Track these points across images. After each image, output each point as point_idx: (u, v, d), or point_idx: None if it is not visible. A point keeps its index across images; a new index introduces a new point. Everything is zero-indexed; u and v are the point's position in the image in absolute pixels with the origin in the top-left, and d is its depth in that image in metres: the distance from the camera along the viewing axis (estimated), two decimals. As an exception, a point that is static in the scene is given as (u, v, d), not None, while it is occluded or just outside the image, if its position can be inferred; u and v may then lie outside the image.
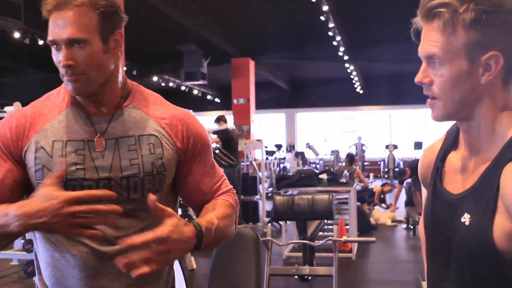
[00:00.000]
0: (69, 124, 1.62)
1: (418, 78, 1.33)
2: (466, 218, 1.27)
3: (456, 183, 1.36)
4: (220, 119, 9.95)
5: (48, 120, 1.62)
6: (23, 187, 1.63)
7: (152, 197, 1.41)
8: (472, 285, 1.30)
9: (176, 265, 3.23)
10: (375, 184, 12.50)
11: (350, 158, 12.15)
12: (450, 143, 1.43)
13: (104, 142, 1.61)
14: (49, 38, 1.54)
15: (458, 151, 1.41)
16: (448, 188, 1.38)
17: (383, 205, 11.20)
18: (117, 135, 1.62)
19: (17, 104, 6.56)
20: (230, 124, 11.31)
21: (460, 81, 1.26)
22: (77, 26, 1.51)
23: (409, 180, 10.07)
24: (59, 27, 1.52)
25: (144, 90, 1.75)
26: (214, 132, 9.58)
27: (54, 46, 1.55)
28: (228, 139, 9.46)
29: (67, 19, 1.51)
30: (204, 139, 1.74)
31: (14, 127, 1.62)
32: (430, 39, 1.27)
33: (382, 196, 11.31)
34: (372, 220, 9.86)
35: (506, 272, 1.22)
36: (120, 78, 1.67)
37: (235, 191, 1.83)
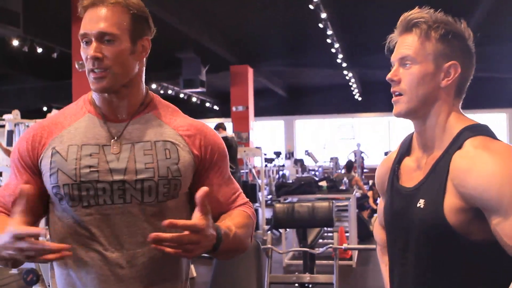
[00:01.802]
0: (86, 130, 1.63)
1: (389, 76, 1.60)
2: (421, 203, 1.53)
3: (412, 180, 1.62)
4: (219, 127, 9.95)
5: (64, 127, 1.64)
6: (42, 198, 1.63)
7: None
8: (430, 263, 1.54)
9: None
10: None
11: (349, 166, 12.14)
12: (405, 150, 1.72)
13: (119, 145, 1.61)
14: (81, 31, 1.58)
15: (412, 155, 1.68)
16: (405, 184, 1.64)
17: (375, 205, 11.17)
18: (133, 140, 1.63)
19: (16, 112, 6.55)
20: (229, 131, 11.30)
21: (425, 80, 1.55)
22: (110, 21, 1.56)
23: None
24: (92, 21, 1.56)
25: (163, 101, 1.76)
26: (213, 140, 9.56)
27: (84, 41, 1.58)
28: (227, 147, 9.43)
29: (100, 14, 1.56)
30: (221, 150, 1.76)
31: (31, 137, 1.64)
32: (406, 44, 1.58)
33: (376, 200, 11.29)
34: (372, 227, 9.83)
35: (458, 244, 1.48)
36: (142, 85, 1.70)
37: (251, 204, 1.84)
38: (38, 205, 1.63)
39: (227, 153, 1.81)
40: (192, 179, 1.69)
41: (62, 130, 1.63)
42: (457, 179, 1.46)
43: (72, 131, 1.63)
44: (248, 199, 1.83)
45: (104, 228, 1.57)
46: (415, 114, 1.59)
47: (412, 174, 1.63)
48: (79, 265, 1.59)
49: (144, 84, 1.71)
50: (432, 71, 1.55)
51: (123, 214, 1.58)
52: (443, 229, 1.48)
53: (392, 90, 1.59)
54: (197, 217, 1.43)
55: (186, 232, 1.40)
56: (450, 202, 1.47)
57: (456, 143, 1.52)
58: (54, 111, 1.64)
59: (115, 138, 1.62)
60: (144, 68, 1.70)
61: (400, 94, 1.58)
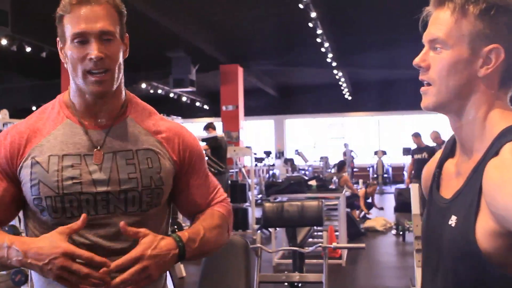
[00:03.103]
0: (66, 139, 1.60)
1: (416, 61, 1.32)
2: (452, 220, 1.25)
3: (450, 188, 1.32)
4: (209, 127, 9.96)
5: (44, 136, 1.60)
6: (19, 204, 1.63)
7: (122, 223, 1.49)
8: None
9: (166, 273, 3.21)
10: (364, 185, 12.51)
11: (340, 165, 12.17)
12: (448, 151, 1.42)
13: (102, 155, 1.59)
14: (77, 30, 1.51)
15: (455, 157, 1.39)
16: (443, 194, 1.35)
17: (370, 212, 11.17)
18: (115, 149, 1.61)
19: (4, 111, 6.52)
20: (219, 131, 11.31)
21: (458, 69, 1.25)
22: (108, 20, 1.54)
23: (400, 186, 10.10)
24: (90, 19, 1.51)
25: (140, 102, 1.74)
26: (203, 140, 9.58)
27: (79, 40, 1.52)
28: (217, 147, 9.46)
29: (97, 13, 1.52)
30: (199, 151, 1.77)
31: (9, 144, 1.60)
32: (438, 22, 1.28)
33: (368, 200, 11.30)
34: (362, 229, 9.85)
35: (487, 277, 1.18)
36: (123, 85, 1.67)
37: (229, 200, 1.86)
38: (12, 210, 1.63)
39: (203, 153, 1.82)
40: (174, 184, 1.71)
41: (42, 139, 1.59)
42: (488, 195, 1.16)
43: (52, 140, 1.59)
44: (226, 196, 1.85)
45: (87, 237, 1.57)
46: (446, 108, 1.31)
47: (452, 181, 1.34)
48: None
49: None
50: (466, 57, 1.24)
51: (107, 224, 1.58)
52: (473, 257, 1.18)
53: (420, 78, 1.33)
54: (135, 248, 1.49)
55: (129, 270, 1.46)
56: (484, 224, 1.17)
57: (494, 147, 1.20)
58: (43, 107, 1.62)
59: (98, 147, 1.60)
60: None
61: (429, 84, 1.30)
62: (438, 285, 1.31)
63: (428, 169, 1.49)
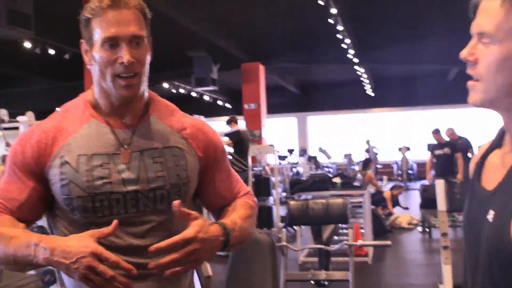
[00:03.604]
0: (93, 138, 1.61)
1: (463, 54, 1.22)
2: (491, 215, 1.19)
3: (492, 180, 1.26)
4: (231, 121, 9.94)
5: (70, 134, 1.61)
6: (46, 204, 1.63)
7: (176, 203, 1.47)
8: None
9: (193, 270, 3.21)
10: (389, 187, 12.39)
11: (365, 163, 12.09)
12: (496, 142, 1.34)
13: (129, 154, 1.61)
14: (109, 34, 1.53)
15: (501, 149, 1.31)
16: (485, 186, 1.28)
17: (394, 210, 11.07)
18: (142, 147, 1.62)
19: (30, 114, 6.57)
20: (241, 125, 11.28)
21: (508, 65, 1.15)
22: (139, 24, 1.56)
23: (424, 182, 10.00)
24: (121, 24, 1.53)
25: (162, 100, 1.76)
26: (226, 135, 9.58)
27: (109, 43, 1.53)
28: (239, 141, 9.46)
29: (128, 16, 1.54)
30: (221, 146, 1.80)
31: (36, 144, 1.60)
32: (486, 13, 1.18)
33: (394, 199, 11.21)
34: (388, 226, 9.77)
35: None
36: (146, 86, 1.69)
37: (252, 193, 1.89)
38: (39, 210, 1.63)
39: (225, 149, 1.85)
40: (199, 179, 1.73)
41: (69, 138, 1.60)
42: None
43: (79, 139, 1.60)
44: (249, 189, 1.89)
45: (118, 235, 1.57)
46: (495, 105, 1.22)
47: (495, 173, 1.27)
48: None
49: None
50: None
51: (137, 222, 1.60)
52: (507, 256, 1.12)
53: (467, 71, 1.23)
54: (188, 228, 1.48)
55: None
56: None
57: None
58: (67, 105, 1.63)
59: (125, 146, 1.61)
60: None
61: (477, 79, 1.21)
62: (478, 281, 1.25)
63: (476, 158, 1.41)
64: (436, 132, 10.74)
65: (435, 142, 10.94)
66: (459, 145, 10.71)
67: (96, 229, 1.47)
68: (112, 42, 1.53)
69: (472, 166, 1.42)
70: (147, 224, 1.59)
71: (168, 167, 1.62)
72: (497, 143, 1.34)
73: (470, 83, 1.23)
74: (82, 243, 1.41)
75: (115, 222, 1.48)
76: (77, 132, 1.61)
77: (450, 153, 10.33)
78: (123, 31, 1.52)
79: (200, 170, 1.71)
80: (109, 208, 1.57)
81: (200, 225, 1.48)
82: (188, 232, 1.46)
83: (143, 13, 1.59)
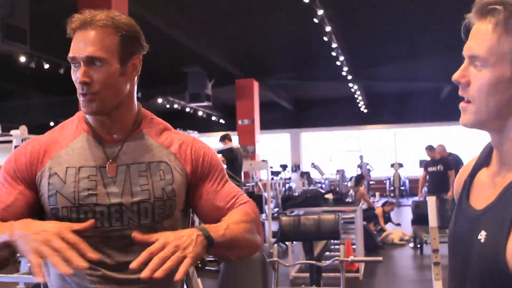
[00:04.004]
0: (83, 151, 1.65)
1: (455, 77, 1.23)
2: (482, 236, 1.19)
3: (482, 199, 1.26)
4: (225, 138, 9.97)
5: (62, 147, 1.66)
6: (34, 211, 1.64)
7: (135, 234, 1.43)
8: None
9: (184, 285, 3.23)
10: (381, 203, 12.41)
11: (357, 179, 12.12)
12: (483, 159, 1.34)
13: (115, 168, 1.64)
14: (70, 55, 1.58)
15: (489, 168, 1.31)
16: (474, 205, 1.29)
17: (386, 226, 11.07)
18: (128, 162, 1.65)
19: (23, 127, 6.59)
20: (234, 142, 11.32)
21: (499, 88, 1.17)
22: (98, 45, 1.56)
23: (415, 198, 10.01)
24: (80, 45, 1.57)
25: (155, 118, 1.78)
26: (219, 152, 9.60)
27: (73, 63, 1.59)
28: (232, 158, 9.48)
29: (89, 38, 1.57)
30: (213, 158, 1.76)
31: (29, 153, 1.65)
32: (478, 37, 1.19)
33: (386, 216, 11.22)
34: (379, 243, 9.78)
35: None
36: (135, 104, 1.71)
37: (253, 203, 1.79)
38: (24, 214, 1.60)
39: (220, 162, 1.81)
40: (189, 191, 1.71)
41: (60, 151, 1.65)
42: None
43: (70, 152, 1.65)
44: (250, 199, 1.79)
45: (102, 249, 1.59)
46: (486, 126, 1.24)
47: (484, 192, 1.27)
48: (76, 281, 1.61)
49: (136, 101, 1.72)
50: (509, 76, 1.16)
51: (121, 236, 1.61)
52: (502, 278, 1.12)
53: (459, 93, 1.25)
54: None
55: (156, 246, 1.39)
56: None
57: None
58: (64, 122, 1.68)
59: (110, 160, 1.64)
60: (136, 86, 1.70)
61: (468, 101, 1.23)
62: None
63: (461, 176, 1.41)
64: (430, 149, 10.76)
65: (427, 158, 10.97)
66: (451, 162, 10.75)
67: (69, 223, 1.47)
68: (74, 62, 1.58)
69: (457, 184, 1.42)
70: (130, 239, 1.54)
71: (153, 181, 1.64)
72: (484, 161, 1.34)
73: (461, 105, 1.24)
74: (52, 224, 1.42)
75: (91, 221, 1.49)
76: (68, 145, 1.66)
77: (443, 170, 10.34)
78: (79, 51, 1.56)
79: (189, 186, 1.71)
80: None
81: (168, 233, 1.43)
82: (158, 243, 1.39)
83: (117, 31, 1.59)
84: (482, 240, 1.18)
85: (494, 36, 1.16)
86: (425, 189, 11.26)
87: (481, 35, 1.18)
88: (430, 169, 10.65)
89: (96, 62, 1.56)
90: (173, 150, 1.70)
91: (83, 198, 1.59)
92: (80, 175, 1.61)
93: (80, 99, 1.59)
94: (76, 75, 1.57)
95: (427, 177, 10.85)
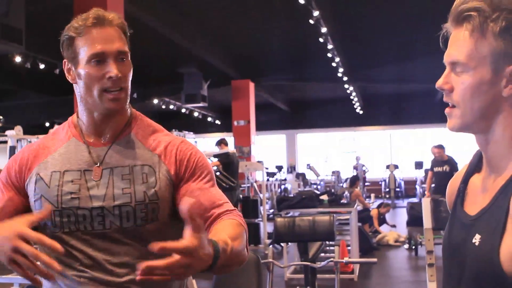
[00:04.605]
0: (69, 156, 1.66)
1: (438, 84, 1.28)
2: (477, 239, 1.21)
3: (475, 204, 1.29)
4: (221, 142, 9.99)
5: (50, 153, 1.68)
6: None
7: (189, 201, 1.26)
8: None
9: None
10: (376, 205, 12.42)
11: (353, 180, 12.12)
12: (474, 165, 1.38)
13: (101, 171, 1.64)
14: (95, 51, 1.57)
15: (481, 172, 1.34)
16: (468, 210, 1.31)
17: (382, 228, 11.08)
18: (113, 165, 1.65)
19: (18, 128, 6.58)
20: (231, 147, 11.33)
21: (481, 91, 1.21)
22: (122, 41, 1.62)
23: (412, 200, 10.00)
24: (107, 40, 1.58)
25: (146, 120, 1.77)
26: (215, 156, 9.61)
27: (96, 60, 1.58)
28: (228, 163, 9.49)
29: (112, 34, 1.60)
30: (200, 160, 1.71)
31: (19, 160, 1.69)
32: (457, 44, 1.24)
33: (381, 217, 11.22)
34: (374, 244, 9.79)
35: None
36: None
37: (239, 212, 1.71)
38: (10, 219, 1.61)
39: (209, 165, 1.75)
40: (174, 193, 1.66)
41: (48, 156, 1.67)
42: None
43: (56, 157, 1.66)
44: (235, 208, 1.68)
45: (86, 252, 1.59)
46: (472, 129, 1.28)
47: (478, 197, 1.30)
48: (66, 283, 1.61)
49: None
50: (489, 78, 1.20)
51: (104, 239, 1.60)
52: (497, 279, 1.15)
53: (444, 100, 1.29)
54: (188, 237, 1.25)
55: (177, 256, 1.24)
56: (509, 246, 1.14)
57: None
58: (57, 127, 1.67)
59: (97, 163, 1.64)
60: None
61: (453, 106, 1.27)
62: None
63: (453, 184, 1.44)
64: (440, 148, 10.59)
65: (426, 159, 10.87)
66: (465, 164, 10.64)
67: (29, 214, 1.48)
68: (99, 58, 1.58)
69: (450, 191, 1.44)
70: (113, 242, 1.58)
71: (135, 184, 1.62)
72: (476, 167, 1.37)
73: (447, 111, 1.28)
74: (10, 226, 1.41)
75: (47, 207, 1.50)
76: (56, 150, 1.68)
77: (449, 171, 10.17)
78: (109, 47, 1.58)
79: (174, 187, 1.66)
80: (75, 224, 1.59)
81: (203, 239, 1.28)
82: (192, 243, 1.25)
83: (124, 31, 1.65)
84: (477, 244, 1.20)
85: (472, 41, 1.21)
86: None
87: (459, 41, 1.23)
88: (436, 169, 10.53)
89: (122, 57, 1.61)
90: (158, 152, 1.68)
91: (66, 201, 1.59)
92: (64, 179, 1.62)
93: (105, 96, 1.59)
94: (103, 71, 1.58)
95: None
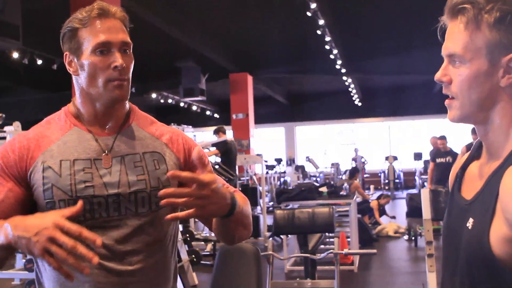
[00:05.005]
0: (75, 144, 1.66)
1: (437, 76, 1.31)
2: (470, 223, 1.25)
3: (471, 190, 1.32)
4: (219, 131, 9.96)
5: (53, 141, 1.66)
6: (25, 207, 1.63)
7: (170, 172, 1.43)
8: None
9: (178, 281, 3.25)
10: (376, 196, 12.45)
11: (352, 172, 12.14)
12: (474, 153, 1.42)
13: (110, 159, 1.65)
14: (101, 40, 1.59)
15: (480, 159, 1.38)
16: (464, 195, 1.35)
17: (382, 220, 11.11)
18: (123, 153, 1.67)
19: (17, 124, 6.58)
20: (229, 136, 11.34)
21: (479, 82, 1.24)
22: (125, 33, 1.65)
23: (411, 191, 10.01)
24: (112, 31, 1.61)
25: (141, 111, 1.82)
26: (213, 145, 9.60)
27: (101, 49, 1.60)
28: (227, 151, 9.49)
29: (116, 25, 1.63)
30: (201, 150, 1.78)
31: (18, 149, 1.64)
32: (453, 37, 1.26)
33: (381, 208, 11.24)
34: (374, 235, 9.82)
35: (501, 282, 1.18)
36: None
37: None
38: (13, 211, 1.59)
39: (206, 155, 1.85)
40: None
41: (51, 144, 1.65)
42: (503, 200, 1.17)
43: (62, 146, 1.65)
44: (236, 189, 1.84)
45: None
46: (472, 119, 1.30)
47: (474, 183, 1.33)
48: (75, 272, 1.61)
49: None
50: (486, 69, 1.23)
51: (119, 226, 1.62)
52: (487, 262, 1.19)
53: (443, 92, 1.32)
54: (203, 174, 1.42)
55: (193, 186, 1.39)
56: (498, 229, 1.17)
57: None
58: (48, 117, 1.66)
59: (106, 152, 1.66)
60: None
61: (453, 97, 1.30)
62: (456, 286, 1.32)
63: (453, 171, 1.48)
64: (443, 139, 10.60)
65: (423, 150, 10.88)
66: (466, 152, 10.65)
67: (63, 210, 1.47)
68: (104, 48, 1.59)
69: (452, 176, 1.48)
70: (128, 228, 1.62)
71: (148, 171, 1.66)
72: (475, 154, 1.41)
73: (447, 102, 1.31)
74: (47, 217, 1.40)
75: (79, 203, 1.47)
76: (59, 139, 1.66)
77: (451, 162, 10.18)
78: (114, 37, 1.60)
79: None
80: (91, 212, 1.60)
81: (214, 177, 1.44)
82: (204, 176, 1.40)
83: (126, 24, 1.68)
84: (470, 227, 1.24)
85: (467, 34, 1.23)
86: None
87: (455, 34, 1.26)
88: (438, 160, 10.56)
89: (125, 49, 1.63)
90: (165, 140, 1.75)
91: (80, 190, 1.60)
92: (75, 168, 1.62)
93: (110, 85, 1.61)
94: (108, 61, 1.60)
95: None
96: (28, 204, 1.64)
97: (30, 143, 1.65)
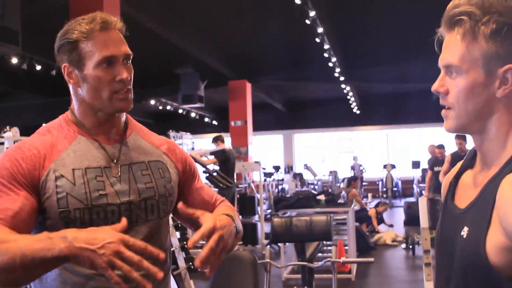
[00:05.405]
0: (84, 153, 1.67)
1: (434, 87, 1.33)
2: (465, 231, 1.26)
3: (465, 198, 1.34)
4: (217, 139, 9.96)
5: (61, 151, 1.65)
6: (36, 218, 1.59)
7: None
8: None
9: (175, 288, 3.24)
10: (374, 204, 12.44)
11: (350, 180, 12.13)
12: (467, 162, 1.43)
13: (119, 167, 1.68)
14: (106, 54, 1.61)
15: (474, 169, 1.39)
16: (458, 204, 1.37)
17: (380, 228, 11.09)
18: (130, 161, 1.71)
19: (15, 129, 6.57)
20: (227, 143, 11.34)
21: (475, 92, 1.25)
22: (126, 43, 1.67)
23: (409, 199, 10.00)
24: (116, 43, 1.63)
25: (134, 120, 1.86)
26: (212, 153, 9.60)
27: (106, 63, 1.62)
28: (225, 160, 9.49)
29: (118, 38, 1.65)
30: (192, 161, 1.95)
31: (28, 157, 1.60)
32: (450, 48, 1.28)
33: (379, 216, 11.23)
34: (371, 243, 9.80)
35: None
36: None
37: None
38: (32, 220, 1.57)
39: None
40: (179, 190, 1.83)
41: (60, 153, 1.64)
42: (500, 209, 1.17)
43: (71, 154, 1.65)
44: (224, 198, 2.01)
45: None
46: (468, 130, 1.32)
47: (468, 192, 1.35)
48: (81, 282, 1.61)
49: None
50: (482, 80, 1.24)
51: (130, 233, 1.61)
52: (483, 270, 1.19)
53: (440, 103, 1.34)
54: (204, 224, 1.57)
55: (210, 241, 1.55)
56: (494, 238, 1.18)
57: (510, 165, 1.23)
58: (47, 126, 1.65)
59: (114, 160, 1.68)
60: None
61: (449, 107, 1.31)
62: None
63: (447, 180, 1.50)
64: (441, 148, 10.61)
65: (421, 159, 10.88)
66: (459, 161, 10.64)
67: (116, 225, 1.47)
68: (108, 62, 1.61)
69: (444, 185, 1.50)
70: (139, 235, 1.65)
71: (155, 179, 1.72)
72: (469, 163, 1.43)
73: (443, 112, 1.33)
74: (108, 232, 1.40)
75: (123, 220, 1.47)
76: (67, 148, 1.66)
77: (448, 171, 10.14)
78: (118, 51, 1.63)
79: (179, 182, 1.82)
80: (104, 220, 1.61)
81: (212, 216, 1.62)
82: (207, 224, 1.56)
83: (123, 33, 1.70)
84: (465, 236, 1.25)
85: (464, 45, 1.25)
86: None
87: (452, 45, 1.28)
88: (436, 168, 10.56)
89: (128, 61, 1.66)
90: (164, 150, 1.82)
91: (95, 199, 1.61)
92: (88, 176, 1.63)
93: (115, 97, 1.64)
94: (113, 74, 1.62)
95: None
96: (37, 214, 1.60)
97: (39, 152, 1.63)
